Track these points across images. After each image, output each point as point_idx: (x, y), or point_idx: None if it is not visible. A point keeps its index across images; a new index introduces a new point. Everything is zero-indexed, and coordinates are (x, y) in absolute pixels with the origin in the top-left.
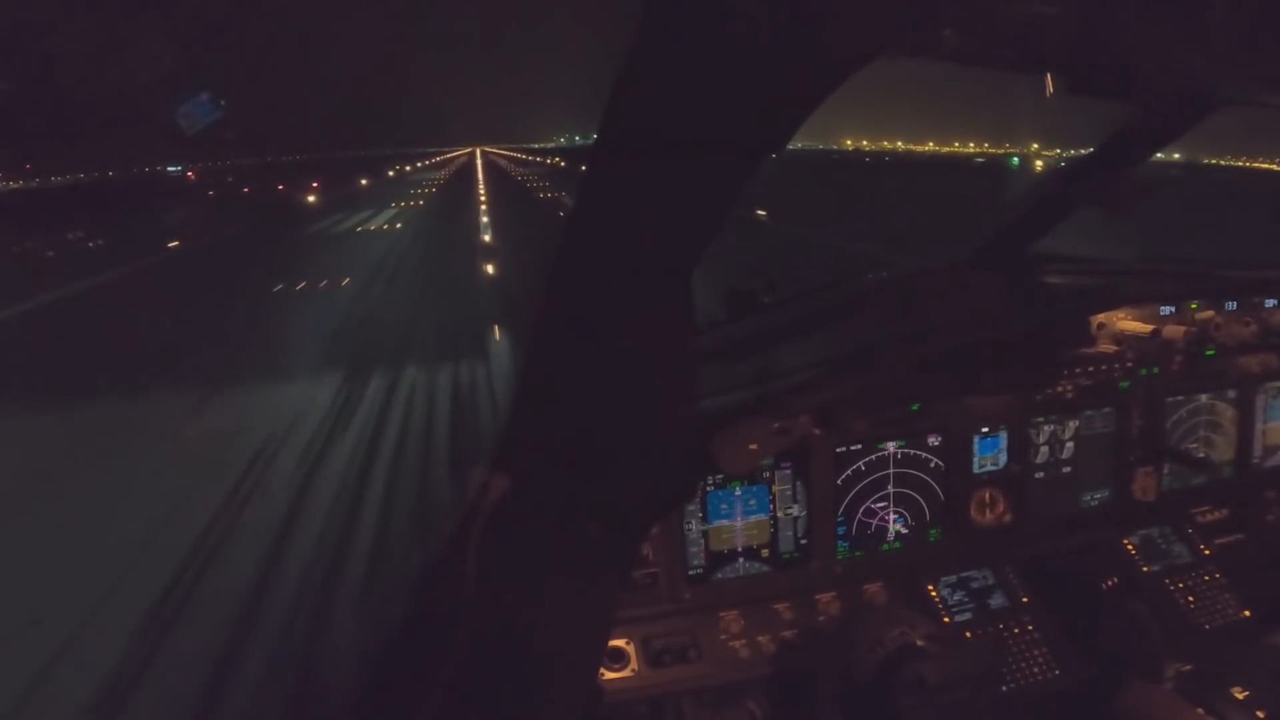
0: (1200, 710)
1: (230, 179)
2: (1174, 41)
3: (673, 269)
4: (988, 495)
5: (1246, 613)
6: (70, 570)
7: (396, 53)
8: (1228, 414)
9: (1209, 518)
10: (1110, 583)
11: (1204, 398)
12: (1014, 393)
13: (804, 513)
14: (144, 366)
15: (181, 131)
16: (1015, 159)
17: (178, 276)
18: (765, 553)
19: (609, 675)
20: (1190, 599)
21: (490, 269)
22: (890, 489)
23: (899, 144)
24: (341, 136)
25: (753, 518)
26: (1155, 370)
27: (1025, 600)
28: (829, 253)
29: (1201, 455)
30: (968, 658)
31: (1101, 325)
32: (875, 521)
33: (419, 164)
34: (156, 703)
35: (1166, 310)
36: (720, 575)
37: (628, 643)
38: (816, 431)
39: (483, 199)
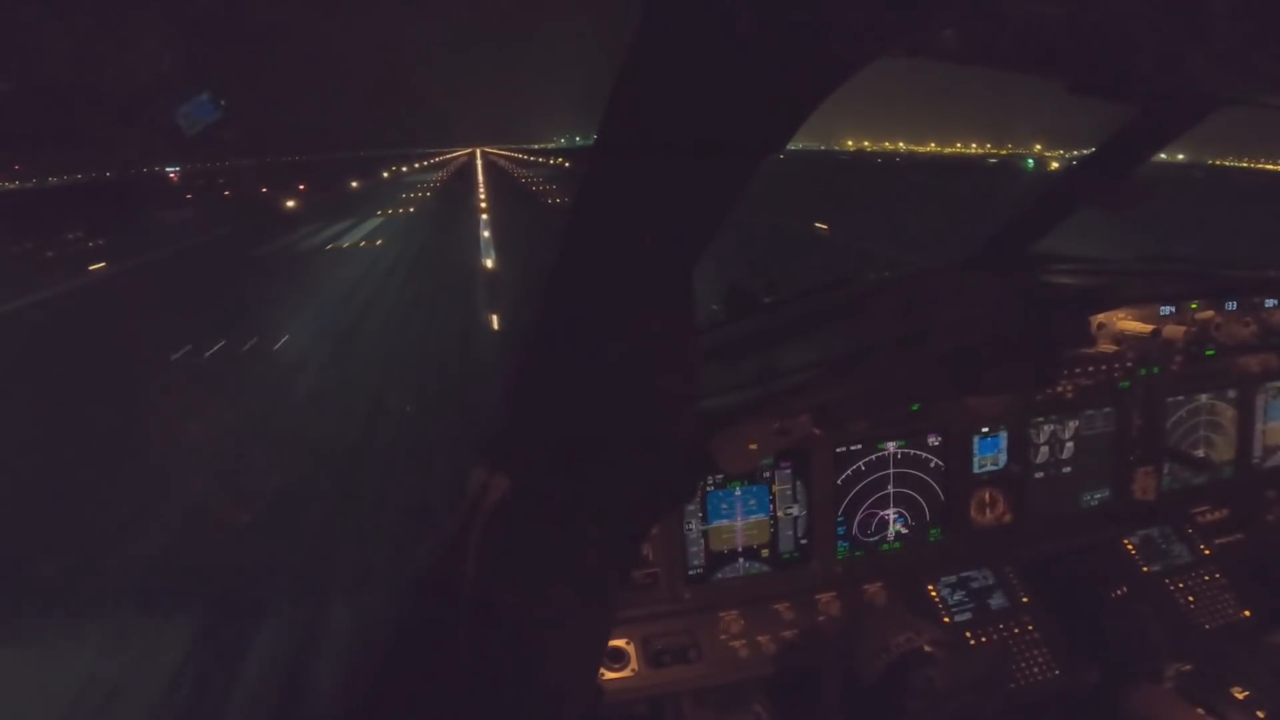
0: (1200, 710)
1: (221, 180)
2: (1174, 41)
3: (673, 269)
4: (988, 495)
5: (1246, 613)
6: None
7: (398, 53)
8: (1228, 414)
9: (1209, 518)
10: (1121, 592)
11: (1204, 398)
12: (1014, 393)
13: (804, 513)
14: None
15: (181, 131)
16: (1030, 161)
17: (49, 328)
18: (765, 553)
19: (609, 675)
20: (1190, 599)
21: (497, 321)
22: (890, 489)
23: (900, 145)
24: (341, 137)
25: (753, 518)
26: (1155, 370)
27: (1025, 600)
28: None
29: (1201, 455)
30: (976, 663)
31: (1101, 325)
32: (875, 521)
33: (417, 165)
34: None
35: (1166, 310)
36: (720, 575)
37: (628, 643)
38: (816, 431)
39: (483, 204)
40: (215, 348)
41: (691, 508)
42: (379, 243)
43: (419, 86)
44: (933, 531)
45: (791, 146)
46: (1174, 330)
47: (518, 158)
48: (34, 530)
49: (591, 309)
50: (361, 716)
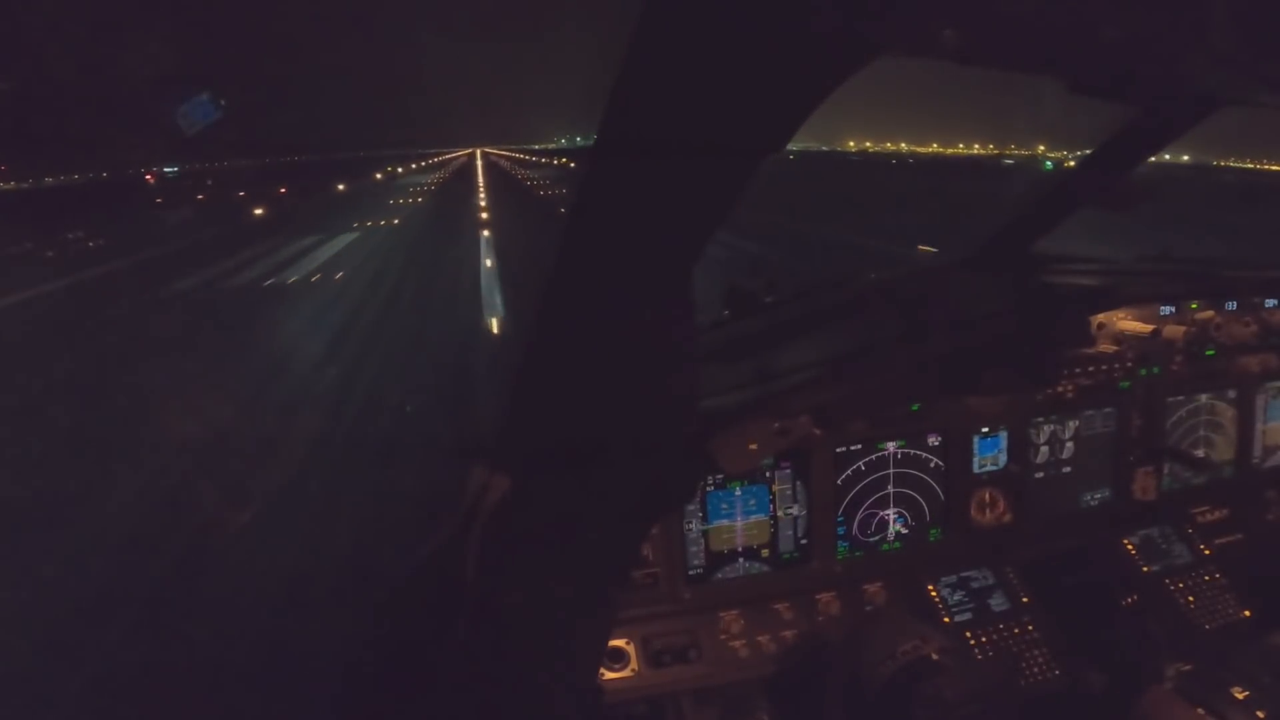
0: (1200, 710)
1: (209, 181)
2: (1175, 42)
3: (672, 269)
4: (988, 495)
5: (1246, 613)
6: None
7: (398, 54)
8: (1228, 414)
9: (1209, 518)
10: (1121, 592)
11: (1204, 398)
12: (1014, 393)
13: (804, 513)
14: None
15: (180, 131)
16: (1049, 162)
17: None
18: (765, 553)
19: (609, 675)
20: (1190, 599)
21: None
22: (890, 489)
23: (902, 145)
24: (341, 138)
25: (753, 518)
26: (1155, 370)
27: (1025, 600)
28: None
29: (1201, 455)
30: (985, 673)
31: (1101, 325)
32: (875, 521)
33: (414, 165)
34: None
35: (1166, 310)
36: (720, 575)
37: (628, 643)
38: (816, 431)
39: (483, 210)
40: None
41: (691, 508)
42: (337, 277)
43: (419, 88)
44: (933, 531)
45: (792, 146)
46: (1174, 330)
47: (519, 158)
48: None
49: (591, 309)
50: (362, 716)
